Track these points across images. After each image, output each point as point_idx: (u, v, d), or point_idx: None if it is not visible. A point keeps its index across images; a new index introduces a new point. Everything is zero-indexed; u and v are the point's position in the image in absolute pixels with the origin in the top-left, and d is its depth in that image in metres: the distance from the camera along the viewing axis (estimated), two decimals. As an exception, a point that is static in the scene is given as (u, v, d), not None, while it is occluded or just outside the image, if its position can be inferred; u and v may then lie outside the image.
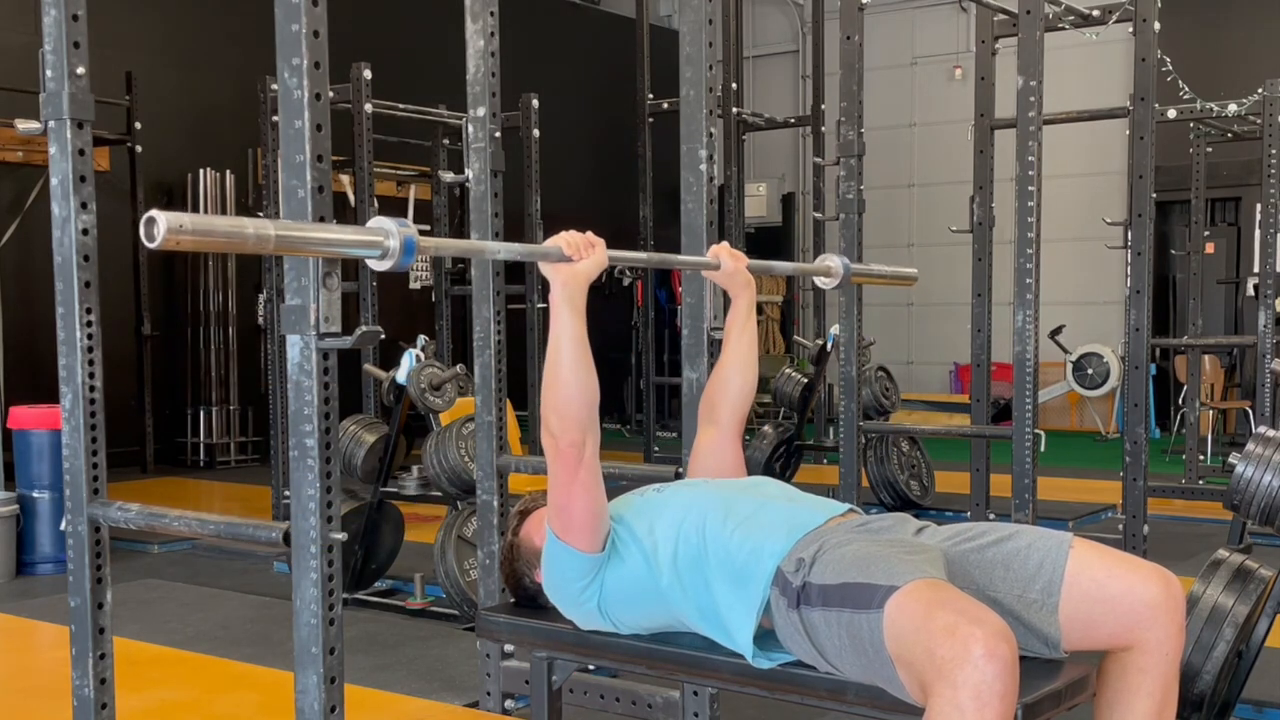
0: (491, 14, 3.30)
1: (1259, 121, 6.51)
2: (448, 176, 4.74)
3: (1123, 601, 2.10)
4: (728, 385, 2.65)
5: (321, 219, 2.16)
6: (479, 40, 3.31)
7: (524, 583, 2.53)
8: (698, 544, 2.26)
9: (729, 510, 2.30)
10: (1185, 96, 7.26)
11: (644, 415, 8.85)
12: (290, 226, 1.91)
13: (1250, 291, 9.27)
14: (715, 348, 2.99)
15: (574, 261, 2.25)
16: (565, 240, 2.26)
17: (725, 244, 2.69)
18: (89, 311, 2.64)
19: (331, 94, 2.23)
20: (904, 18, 12.49)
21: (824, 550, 2.14)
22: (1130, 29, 4.73)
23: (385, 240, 1.91)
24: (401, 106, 7.04)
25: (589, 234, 2.29)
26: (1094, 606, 2.11)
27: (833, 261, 2.89)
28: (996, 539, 2.20)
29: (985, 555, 2.19)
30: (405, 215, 10.44)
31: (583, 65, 12.43)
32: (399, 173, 9.81)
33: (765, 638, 2.21)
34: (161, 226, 1.66)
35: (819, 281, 2.96)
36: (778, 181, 13.32)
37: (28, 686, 4.07)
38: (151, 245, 1.68)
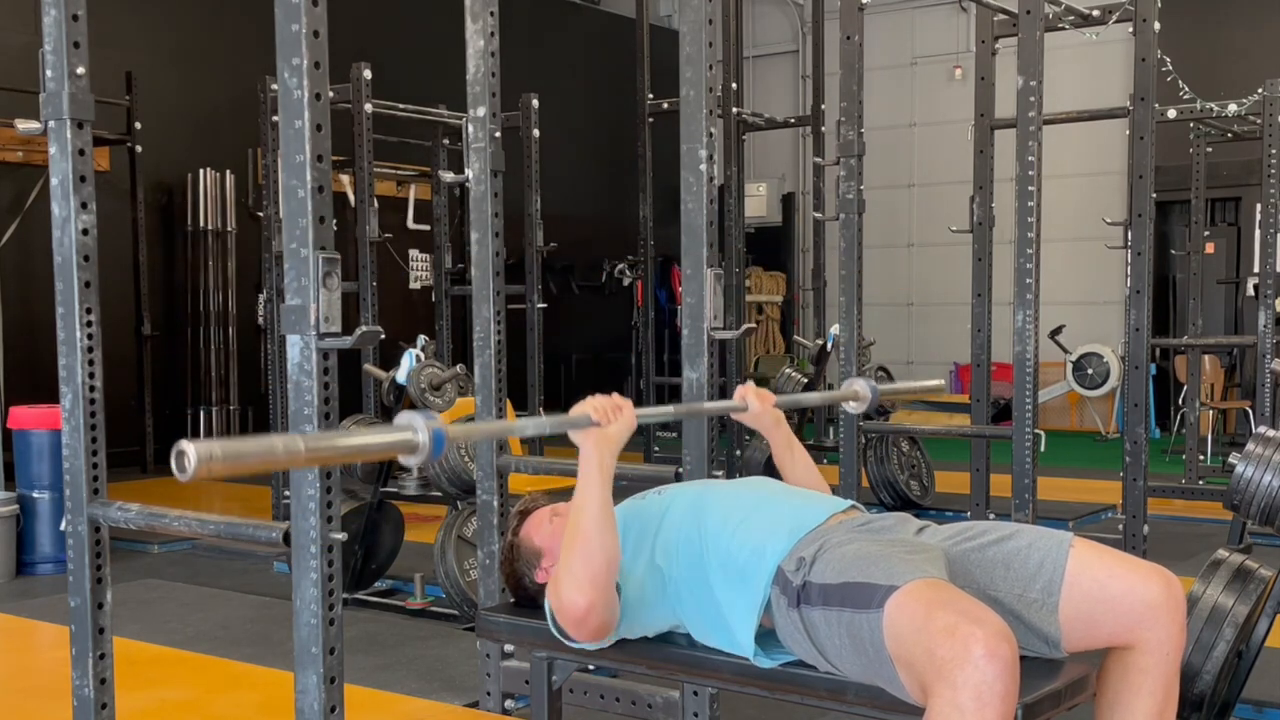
0: (491, 14, 3.30)
1: (1259, 121, 6.51)
2: (448, 176, 4.72)
3: (1123, 601, 2.10)
4: None
5: (322, 219, 2.16)
6: (479, 40, 3.31)
7: (524, 583, 2.53)
8: (698, 544, 2.27)
9: (730, 510, 2.30)
10: (1185, 96, 7.26)
11: (644, 415, 8.82)
12: (319, 438, 1.86)
13: (1250, 291, 9.25)
14: (715, 348, 2.99)
15: (603, 426, 2.25)
16: (593, 406, 2.26)
17: (750, 384, 2.65)
18: (89, 311, 2.64)
19: (331, 94, 2.23)
20: (904, 18, 12.50)
21: (825, 549, 2.14)
22: (1130, 29, 4.72)
23: (415, 437, 1.83)
24: (401, 106, 7.04)
25: (615, 396, 2.29)
26: (1095, 606, 2.11)
27: (859, 386, 2.83)
28: (997, 538, 2.21)
29: (986, 554, 2.19)
30: (405, 215, 10.47)
31: (583, 65, 12.43)
32: (399, 173, 9.81)
33: (766, 637, 2.21)
34: (192, 459, 1.56)
35: (848, 407, 2.91)
36: (778, 181, 13.32)
37: (28, 686, 4.07)
38: (184, 478, 1.58)
